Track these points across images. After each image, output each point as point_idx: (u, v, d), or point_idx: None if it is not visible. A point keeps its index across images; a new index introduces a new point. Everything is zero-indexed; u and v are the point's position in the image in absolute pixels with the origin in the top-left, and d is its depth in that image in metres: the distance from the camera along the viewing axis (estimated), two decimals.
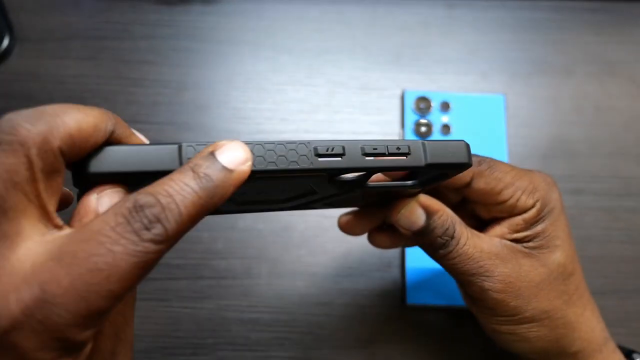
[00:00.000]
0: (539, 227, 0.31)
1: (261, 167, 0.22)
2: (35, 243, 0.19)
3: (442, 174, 0.27)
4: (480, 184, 0.31)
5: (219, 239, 0.43)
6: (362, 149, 0.23)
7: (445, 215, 0.30)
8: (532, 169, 0.33)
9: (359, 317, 0.42)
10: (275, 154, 0.22)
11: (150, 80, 0.47)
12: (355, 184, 0.26)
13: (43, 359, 0.19)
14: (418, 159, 0.24)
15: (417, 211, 0.30)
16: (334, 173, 0.23)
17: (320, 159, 0.23)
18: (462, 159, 0.25)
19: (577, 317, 0.32)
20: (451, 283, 0.42)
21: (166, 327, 0.41)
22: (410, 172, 0.28)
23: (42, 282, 0.18)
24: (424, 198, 0.30)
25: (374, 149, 0.23)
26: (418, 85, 0.48)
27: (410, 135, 0.46)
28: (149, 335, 0.40)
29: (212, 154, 0.21)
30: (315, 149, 0.22)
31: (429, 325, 0.42)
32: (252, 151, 0.22)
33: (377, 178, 0.29)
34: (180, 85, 0.47)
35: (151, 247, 0.19)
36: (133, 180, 0.22)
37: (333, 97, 0.48)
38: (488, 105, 0.47)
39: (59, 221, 0.21)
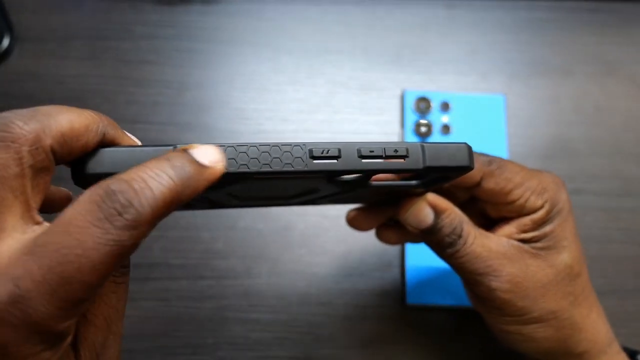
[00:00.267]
0: (547, 228, 0.31)
1: (255, 168, 0.22)
2: (14, 240, 0.19)
3: (445, 176, 0.27)
4: (490, 184, 0.31)
5: (219, 239, 0.43)
6: (359, 151, 0.23)
7: (454, 214, 0.30)
8: (540, 170, 0.33)
9: (359, 317, 0.42)
10: (270, 156, 0.22)
11: (151, 80, 0.47)
12: (356, 184, 0.26)
13: (25, 353, 0.19)
14: (416, 162, 0.24)
15: (425, 210, 0.30)
16: (329, 175, 0.23)
17: (315, 161, 0.22)
18: (463, 162, 0.24)
19: (583, 318, 0.32)
20: (451, 283, 0.42)
21: (166, 327, 0.41)
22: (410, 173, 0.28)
23: (15, 277, 0.18)
24: (432, 197, 0.30)
25: (371, 151, 0.23)
26: (418, 85, 0.48)
27: (410, 136, 0.46)
28: (149, 335, 0.40)
29: (186, 151, 0.21)
30: (311, 151, 0.22)
31: (429, 325, 0.42)
32: (247, 153, 0.22)
33: (381, 177, 0.28)
34: (181, 86, 0.47)
35: (124, 233, 0.18)
36: None
37: (333, 97, 0.48)
38: (488, 105, 0.47)
39: (39, 218, 0.21)
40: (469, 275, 0.31)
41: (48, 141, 0.20)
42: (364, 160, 0.23)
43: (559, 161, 0.47)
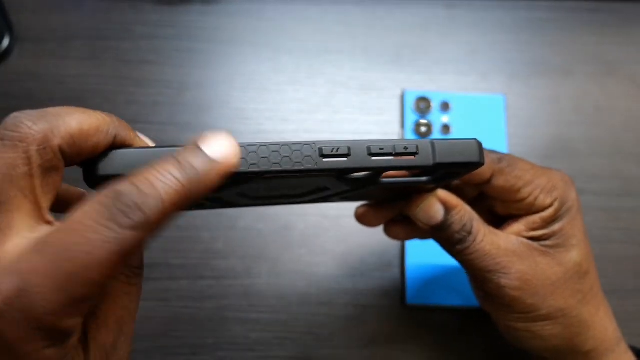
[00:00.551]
0: (556, 226, 0.31)
1: (265, 168, 0.22)
2: (24, 238, 0.20)
3: (455, 172, 0.27)
4: (500, 181, 0.31)
5: (219, 239, 0.43)
6: (368, 148, 0.23)
7: (464, 211, 0.30)
8: (550, 168, 0.33)
9: (359, 317, 0.42)
10: (280, 155, 0.22)
11: (151, 80, 0.47)
12: (367, 182, 0.26)
13: (28, 349, 0.19)
14: (426, 159, 0.24)
15: (435, 206, 0.30)
16: (339, 173, 0.23)
17: (325, 160, 0.22)
18: (473, 158, 0.24)
19: (592, 317, 0.32)
20: (451, 283, 0.42)
21: (166, 327, 0.41)
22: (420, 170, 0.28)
23: (22, 272, 0.18)
24: (442, 193, 0.30)
25: (380, 149, 0.23)
26: (418, 85, 0.48)
27: (410, 136, 0.46)
28: (149, 335, 0.41)
29: (197, 145, 0.21)
30: (320, 149, 0.22)
31: (429, 325, 0.42)
32: (257, 152, 0.22)
33: (391, 174, 0.28)
34: (181, 86, 0.47)
35: (130, 234, 0.19)
36: None
37: (333, 97, 0.48)
38: (488, 105, 0.47)
39: (49, 217, 0.21)
40: (477, 272, 0.31)
41: (57, 141, 0.20)
42: (373, 158, 0.23)
43: (559, 161, 0.47)
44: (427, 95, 0.47)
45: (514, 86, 0.49)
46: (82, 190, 0.26)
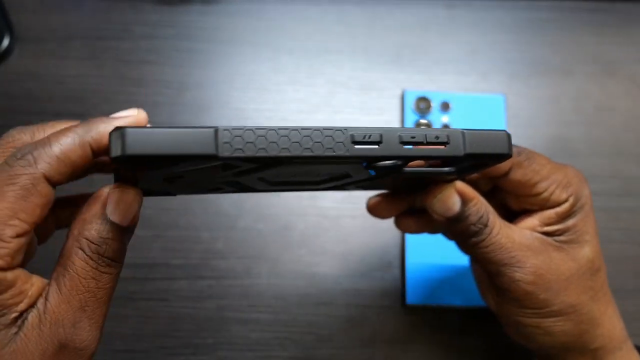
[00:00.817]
0: (570, 222, 0.31)
1: (297, 152, 0.21)
2: None
3: (481, 163, 0.26)
4: (517, 175, 0.31)
5: (219, 239, 0.43)
6: (400, 137, 0.23)
7: (480, 203, 0.30)
8: (565, 164, 0.33)
9: (359, 317, 0.42)
10: (312, 140, 0.22)
11: (151, 80, 0.47)
12: (392, 170, 0.25)
13: None
14: (457, 149, 0.23)
15: (453, 197, 0.30)
16: (370, 161, 0.23)
17: (356, 147, 0.22)
18: (503, 149, 0.24)
19: (601, 314, 0.32)
20: (452, 283, 0.42)
21: (166, 327, 0.41)
22: (449, 160, 0.28)
23: None
24: (460, 185, 0.30)
25: (412, 137, 0.23)
26: (418, 85, 0.48)
27: None
28: (149, 335, 0.41)
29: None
30: (352, 136, 0.22)
31: (429, 325, 0.42)
32: (288, 137, 0.21)
33: (414, 163, 0.28)
34: (181, 86, 0.47)
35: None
36: (157, 163, 0.21)
37: (333, 97, 0.48)
38: (488, 105, 0.47)
39: None
40: (492, 265, 0.31)
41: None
42: (405, 147, 0.23)
43: (559, 161, 0.47)
44: (427, 95, 0.47)
45: (514, 86, 0.49)
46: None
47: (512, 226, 0.31)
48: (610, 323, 0.33)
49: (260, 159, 0.21)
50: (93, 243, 0.23)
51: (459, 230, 0.31)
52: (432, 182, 0.30)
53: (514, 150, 0.30)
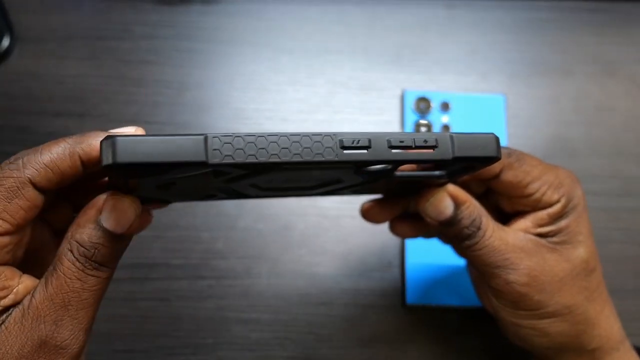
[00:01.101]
0: (562, 223, 0.31)
1: (286, 158, 0.22)
2: None
3: (471, 166, 0.27)
4: (508, 176, 0.31)
5: (219, 239, 0.43)
6: (389, 141, 0.23)
7: (472, 206, 0.30)
8: (556, 165, 0.33)
9: (359, 317, 0.42)
10: (301, 145, 0.22)
11: (151, 80, 0.47)
12: (382, 174, 0.26)
13: None
14: (445, 152, 0.24)
15: (445, 201, 0.30)
16: (359, 165, 0.23)
17: (345, 152, 0.22)
18: (491, 152, 0.24)
19: (597, 314, 0.32)
20: (451, 283, 0.42)
21: (166, 327, 0.41)
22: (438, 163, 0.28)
23: None
24: (452, 188, 0.30)
25: (401, 141, 0.23)
26: (418, 85, 0.48)
27: None
28: (149, 335, 0.41)
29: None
30: (341, 141, 0.22)
31: (429, 325, 0.42)
32: (277, 143, 0.22)
33: (405, 167, 0.28)
34: (181, 86, 0.47)
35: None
36: (148, 171, 0.22)
37: (333, 97, 0.48)
38: (488, 105, 0.47)
39: None
40: (485, 268, 0.31)
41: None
42: (393, 151, 0.23)
43: (559, 161, 0.47)
44: (427, 95, 0.47)
45: (514, 86, 0.49)
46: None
47: (505, 228, 0.31)
48: (607, 323, 0.33)
49: (250, 165, 0.21)
50: (82, 246, 0.24)
51: (453, 233, 0.31)
52: (424, 186, 0.31)
53: (504, 152, 0.30)
